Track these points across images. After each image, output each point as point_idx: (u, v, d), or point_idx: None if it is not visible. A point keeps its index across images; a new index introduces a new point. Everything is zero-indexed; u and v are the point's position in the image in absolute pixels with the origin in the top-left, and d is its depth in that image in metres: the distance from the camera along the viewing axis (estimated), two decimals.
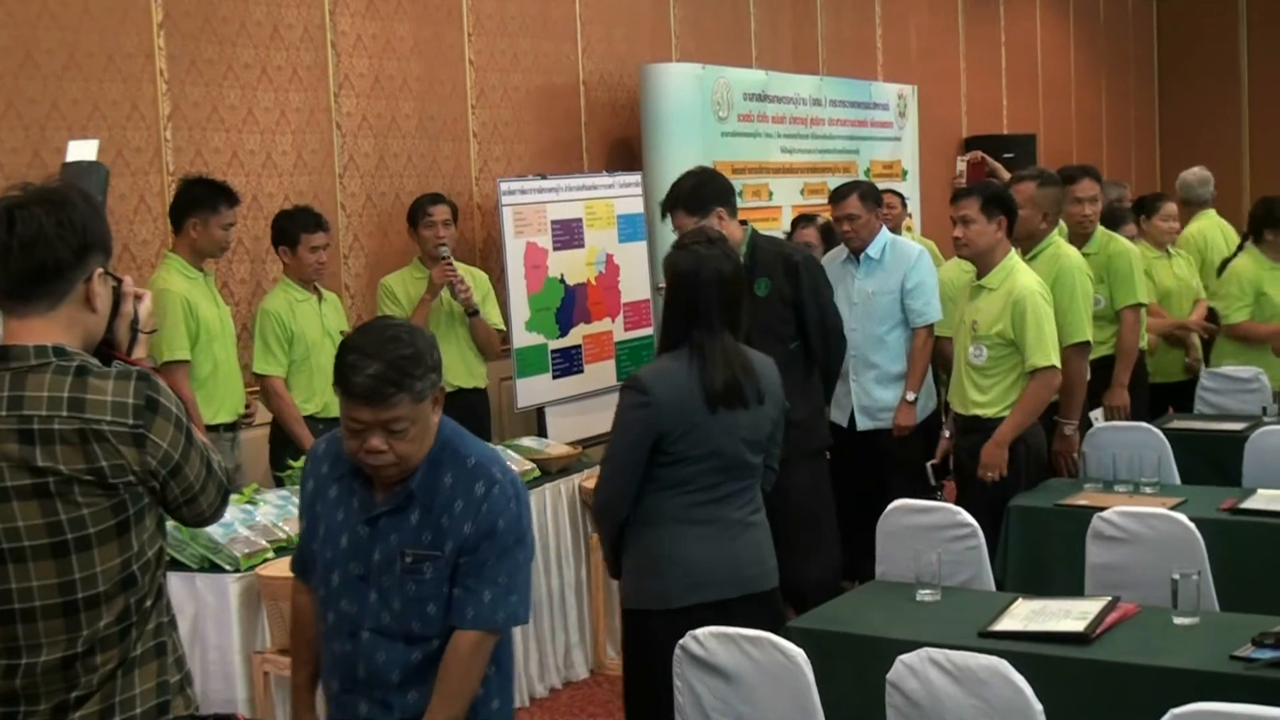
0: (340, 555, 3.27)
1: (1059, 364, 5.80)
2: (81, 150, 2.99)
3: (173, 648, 2.81)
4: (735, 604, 4.13)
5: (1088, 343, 6.26)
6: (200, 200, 5.94)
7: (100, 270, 2.71)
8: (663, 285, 4.39)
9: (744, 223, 5.95)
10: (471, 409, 7.01)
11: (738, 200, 6.06)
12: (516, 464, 6.13)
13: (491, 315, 7.21)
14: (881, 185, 8.74)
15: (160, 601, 2.78)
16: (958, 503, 5.45)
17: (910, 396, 6.79)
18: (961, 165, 7.82)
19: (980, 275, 5.92)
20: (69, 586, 2.61)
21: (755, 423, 4.19)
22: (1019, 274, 5.82)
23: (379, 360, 3.08)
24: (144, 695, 2.72)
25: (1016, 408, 5.78)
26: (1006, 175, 7.31)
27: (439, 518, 3.18)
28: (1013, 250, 5.94)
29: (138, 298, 2.85)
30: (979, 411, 5.88)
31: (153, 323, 2.92)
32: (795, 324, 5.89)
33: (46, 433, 2.59)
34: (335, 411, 6.28)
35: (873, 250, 6.90)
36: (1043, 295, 5.81)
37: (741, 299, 4.25)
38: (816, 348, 5.95)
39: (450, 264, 6.91)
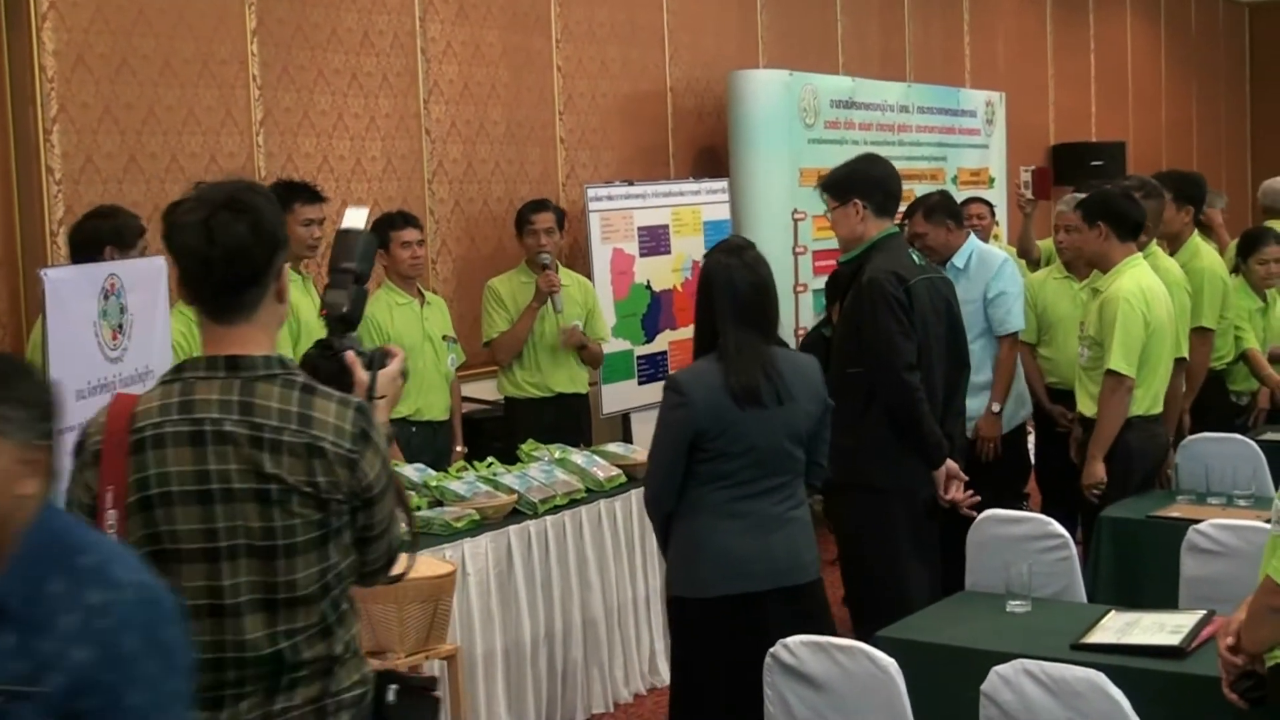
0: None
1: (1132, 373, 5.71)
2: (355, 218, 3.14)
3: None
4: (768, 596, 4.27)
5: (1184, 358, 6.19)
6: (277, 199, 5.95)
7: (286, 264, 2.82)
8: None
9: (902, 226, 5.60)
10: (572, 414, 7.15)
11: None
12: (603, 470, 6.11)
13: (595, 327, 7.27)
14: (969, 194, 8.71)
15: (353, 608, 2.86)
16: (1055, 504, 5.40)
17: (995, 407, 6.63)
18: (1026, 175, 7.73)
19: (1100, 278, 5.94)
20: (271, 587, 2.70)
21: (791, 418, 4.32)
22: (1122, 278, 5.77)
23: None
24: (350, 687, 2.81)
25: (1096, 421, 5.74)
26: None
27: (38, 640, 2.20)
28: (1133, 255, 5.88)
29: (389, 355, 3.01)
30: (1085, 411, 5.90)
31: (396, 389, 3.01)
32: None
33: (276, 442, 2.68)
34: (428, 414, 6.46)
35: (958, 260, 6.73)
36: (1141, 301, 5.74)
37: (763, 306, 4.36)
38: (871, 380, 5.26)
39: (553, 271, 6.96)
